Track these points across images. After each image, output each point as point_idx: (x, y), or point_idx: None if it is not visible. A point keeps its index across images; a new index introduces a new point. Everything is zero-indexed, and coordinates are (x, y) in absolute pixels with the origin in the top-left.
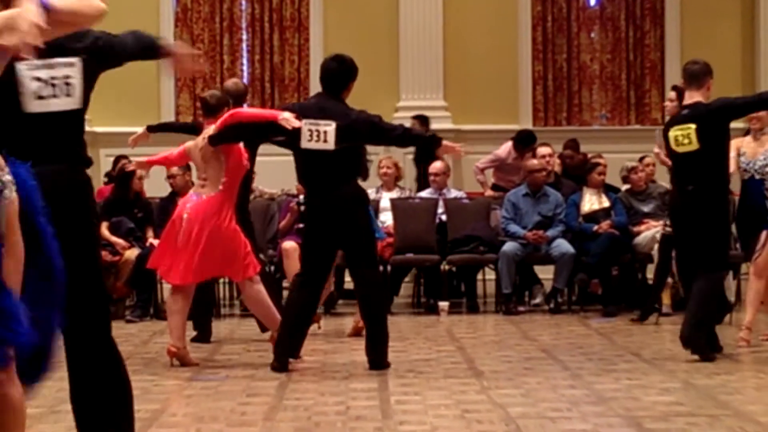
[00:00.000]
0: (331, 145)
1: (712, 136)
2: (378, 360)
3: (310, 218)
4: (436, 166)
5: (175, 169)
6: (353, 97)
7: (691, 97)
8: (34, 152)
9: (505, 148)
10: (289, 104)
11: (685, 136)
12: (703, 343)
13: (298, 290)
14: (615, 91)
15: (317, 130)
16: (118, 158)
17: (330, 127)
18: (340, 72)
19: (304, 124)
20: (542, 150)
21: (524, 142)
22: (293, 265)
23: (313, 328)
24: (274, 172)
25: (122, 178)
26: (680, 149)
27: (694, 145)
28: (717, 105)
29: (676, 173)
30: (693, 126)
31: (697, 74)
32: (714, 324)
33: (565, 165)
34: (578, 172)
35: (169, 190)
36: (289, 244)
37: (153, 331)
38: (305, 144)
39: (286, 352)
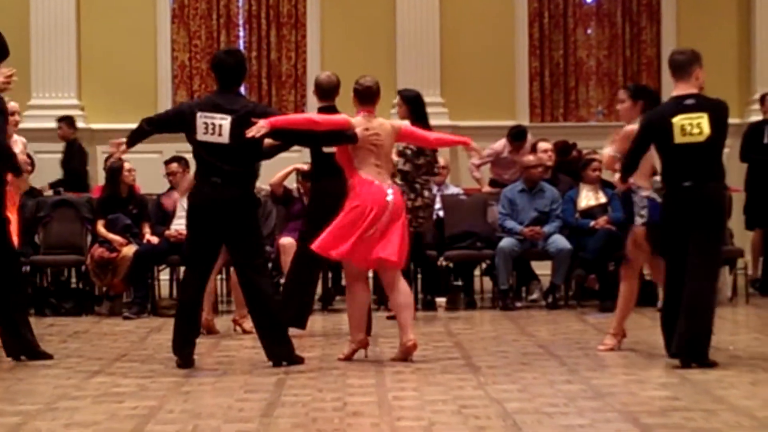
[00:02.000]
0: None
1: (721, 128)
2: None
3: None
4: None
5: (174, 166)
6: (352, 93)
7: (683, 88)
8: None
9: (501, 143)
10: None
11: (695, 125)
12: (707, 353)
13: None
14: (611, 87)
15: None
16: (108, 156)
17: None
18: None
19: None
20: (542, 145)
21: (516, 137)
22: (290, 261)
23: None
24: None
25: (111, 173)
26: (686, 139)
27: (704, 135)
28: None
29: (673, 168)
30: (705, 115)
31: (682, 64)
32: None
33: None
34: (572, 168)
35: (164, 185)
36: (287, 240)
37: (150, 328)
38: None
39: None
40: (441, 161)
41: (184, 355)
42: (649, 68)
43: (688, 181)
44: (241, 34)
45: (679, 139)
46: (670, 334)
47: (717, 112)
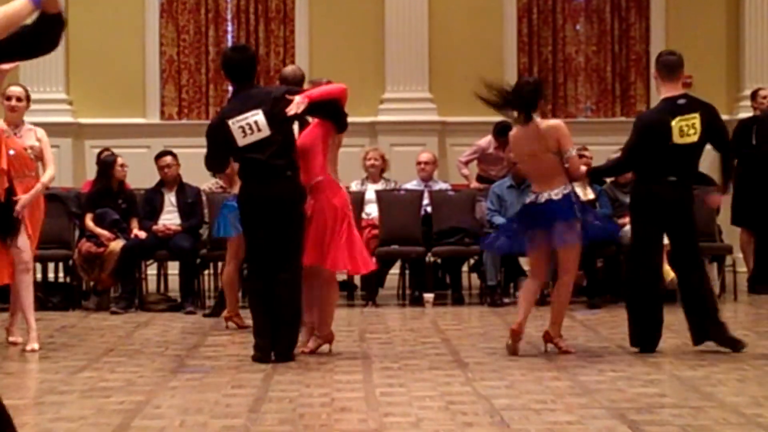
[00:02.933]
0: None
1: (715, 129)
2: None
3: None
4: (424, 155)
5: (169, 159)
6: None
7: (672, 89)
8: None
9: (486, 139)
10: None
11: (690, 126)
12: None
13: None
14: (600, 83)
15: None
16: (102, 150)
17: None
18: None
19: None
20: None
21: (501, 132)
22: None
23: None
24: None
25: (103, 166)
26: (683, 140)
27: (697, 136)
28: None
29: (664, 166)
30: (697, 115)
31: (674, 66)
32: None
33: None
34: None
35: (155, 180)
36: None
37: (137, 323)
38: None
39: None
40: (429, 155)
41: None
42: (637, 64)
43: (673, 176)
44: (230, 29)
45: (677, 140)
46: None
47: (708, 113)
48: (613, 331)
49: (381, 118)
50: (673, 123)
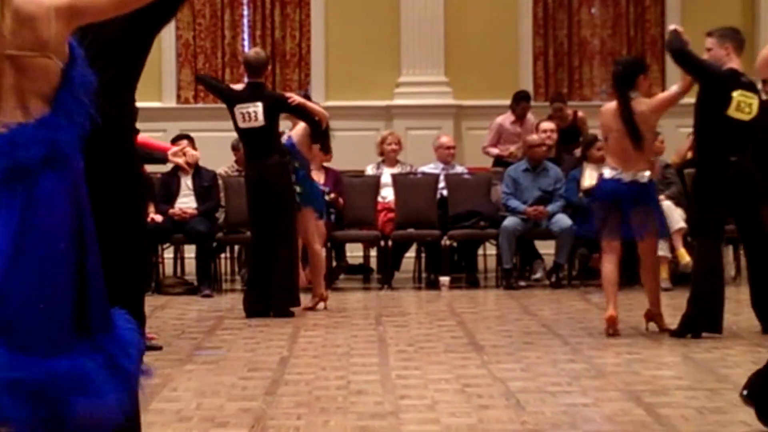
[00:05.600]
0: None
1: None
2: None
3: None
4: (445, 139)
5: (185, 143)
6: (356, 74)
7: (738, 64)
8: None
9: (502, 116)
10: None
11: (747, 105)
12: None
13: None
14: None
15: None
16: None
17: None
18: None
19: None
20: (544, 125)
21: (519, 99)
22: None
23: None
24: None
25: None
26: (740, 116)
27: (754, 113)
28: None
29: (728, 142)
30: (755, 97)
31: (743, 43)
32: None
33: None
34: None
35: (168, 165)
36: None
37: (154, 306)
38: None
39: None
40: (449, 138)
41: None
42: (653, 47)
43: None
44: (246, 12)
45: (736, 114)
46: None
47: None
48: (629, 314)
49: (397, 101)
50: (734, 94)
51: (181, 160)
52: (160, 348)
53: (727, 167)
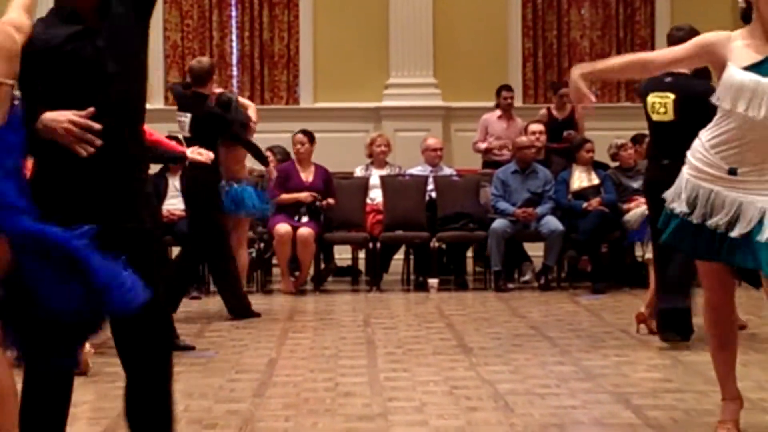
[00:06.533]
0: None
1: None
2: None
3: None
4: (433, 141)
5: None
6: (345, 75)
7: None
8: None
9: (489, 114)
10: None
11: (662, 105)
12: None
13: None
14: None
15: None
16: None
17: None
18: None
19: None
20: (533, 127)
21: (498, 91)
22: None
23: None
24: None
25: None
26: (658, 117)
27: (670, 116)
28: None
29: (657, 146)
30: (671, 96)
31: (684, 40)
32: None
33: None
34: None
35: (159, 165)
36: (283, 228)
37: None
38: None
39: None
40: (436, 140)
41: None
42: (642, 49)
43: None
44: (234, 14)
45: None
46: None
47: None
48: (617, 316)
49: (385, 103)
50: (649, 97)
51: (202, 157)
52: (192, 348)
53: (661, 172)
